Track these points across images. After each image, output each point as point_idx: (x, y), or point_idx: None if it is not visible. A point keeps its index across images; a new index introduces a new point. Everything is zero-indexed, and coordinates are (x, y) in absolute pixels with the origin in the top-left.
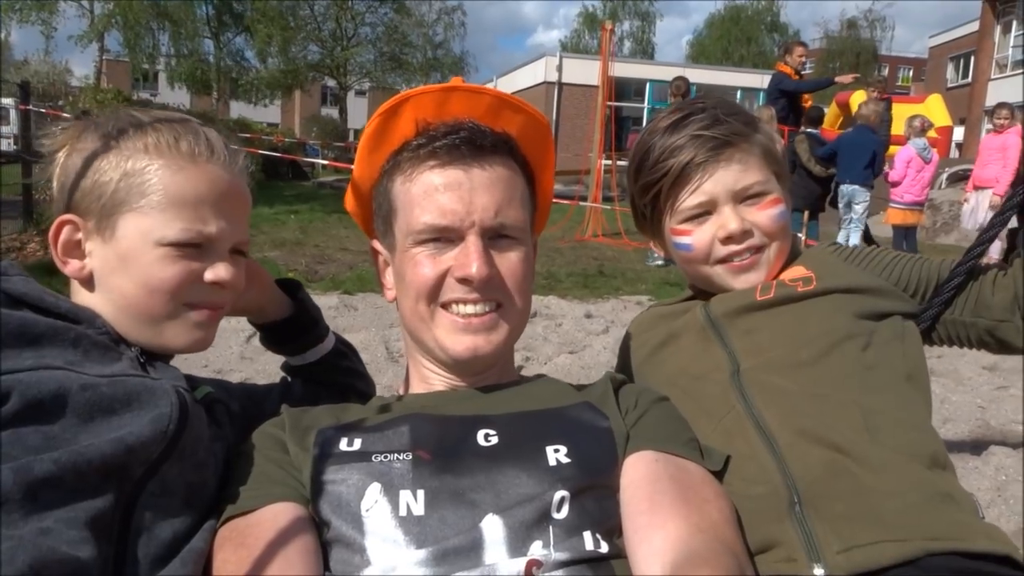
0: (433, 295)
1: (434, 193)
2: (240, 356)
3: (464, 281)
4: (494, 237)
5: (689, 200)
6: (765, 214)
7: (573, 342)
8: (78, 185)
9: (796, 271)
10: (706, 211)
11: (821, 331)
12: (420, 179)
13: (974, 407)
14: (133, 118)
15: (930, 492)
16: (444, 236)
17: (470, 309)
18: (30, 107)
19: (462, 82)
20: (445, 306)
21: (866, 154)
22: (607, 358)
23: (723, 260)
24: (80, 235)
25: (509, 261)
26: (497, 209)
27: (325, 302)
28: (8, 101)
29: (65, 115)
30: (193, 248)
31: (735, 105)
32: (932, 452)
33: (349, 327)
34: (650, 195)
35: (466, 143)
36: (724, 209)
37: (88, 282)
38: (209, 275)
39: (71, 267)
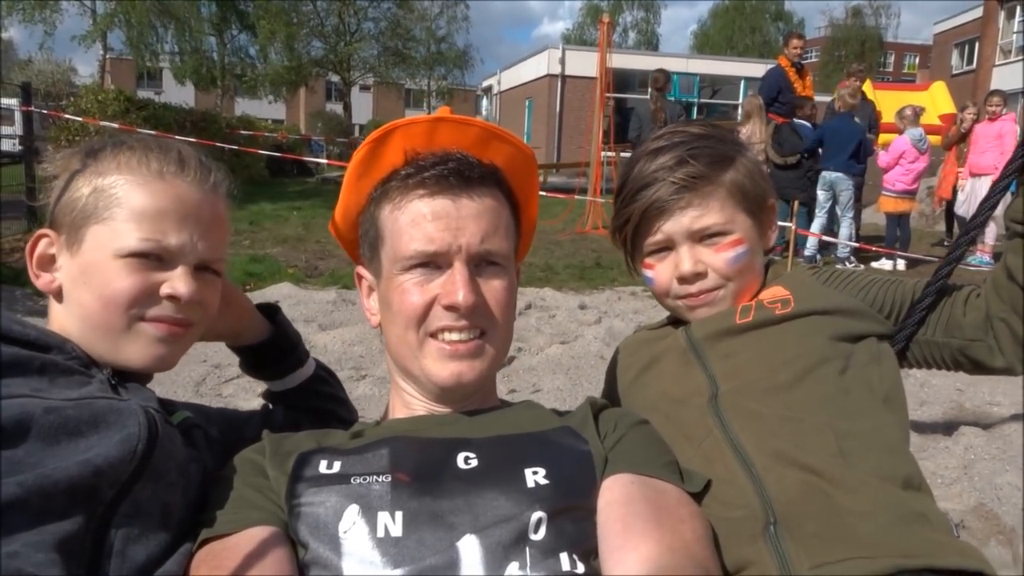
0: (421, 323)
1: (422, 221)
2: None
3: (451, 308)
4: (480, 264)
5: (650, 237)
6: (721, 256)
7: (565, 332)
8: (58, 202)
9: (775, 292)
10: (666, 247)
11: (798, 354)
12: (409, 208)
13: (952, 390)
14: (115, 140)
15: (903, 512)
16: (431, 263)
17: (455, 336)
18: (32, 108)
19: (449, 112)
20: (433, 335)
21: (851, 142)
22: (598, 348)
23: (682, 296)
24: (54, 249)
25: (494, 289)
26: (483, 237)
27: (323, 296)
28: (12, 101)
29: (67, 115)
30: (152, 260)
31: (712, 138)
32: (906, 474)
33: (346, 321)
34: (625, 226)
35: (454, 174)
36: (682, 249)
37: (58, 296)
38: (165, 289)
39: (43, 280)
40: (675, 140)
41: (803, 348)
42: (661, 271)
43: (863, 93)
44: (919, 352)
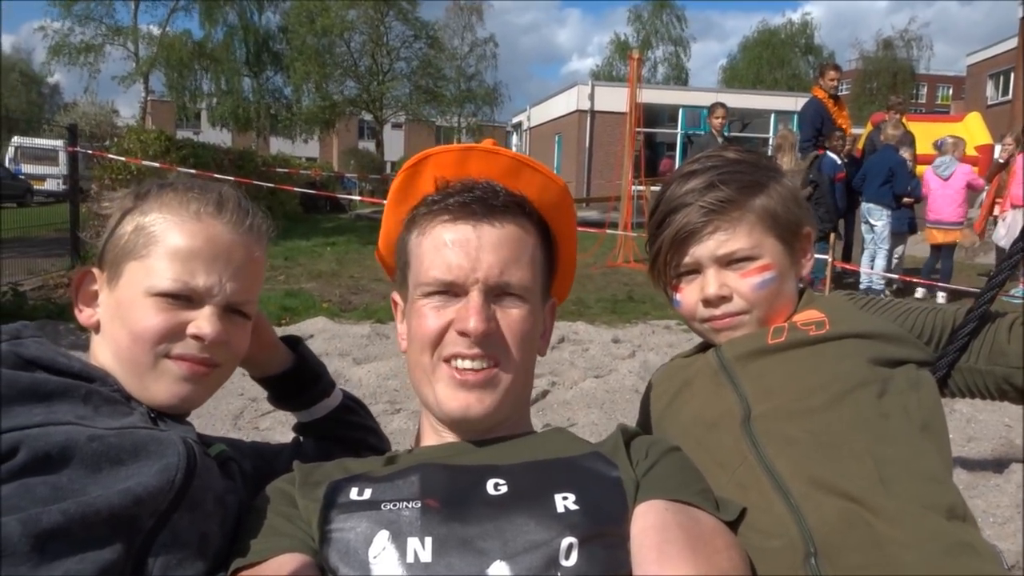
0: (435, 347)
1: (443, 248)
2: None
3: (463, 334)
4: (499, 295)
5: (679, 260)
6: (746, 281)
7: (599, 366)
8: (107, 240)
9: (809, 315)
10: (694, 270)
11: (833, 377)
12: (432, 234)
13: (1001, 426)
14: (163, 182)
15: (950, 542)
16: (449, 290)
17: (467, 364)
18: (78, 149)
19: (493, 144)
20: (447, 360)
21: (882, 172)
22: (632, 382)
23: (707, 320)
24: (96, 286)
25: (510, 318)
26: (502, 267)
27: (358, 331)
28: (58, 143)
29: (111, 156)
30: (181, 300)
31: (745, 163)
32: (950, 503)
33: (381, 355)
34: (657, 252)
35: (477, 201)
36: (708, 272)
37: (96, 330)
38: (191, 328)
39: (84, 315)
40: (708, 164)
41: (839, 371)
42: (688, 293)
43: (902, 125)
44: (961, 380)
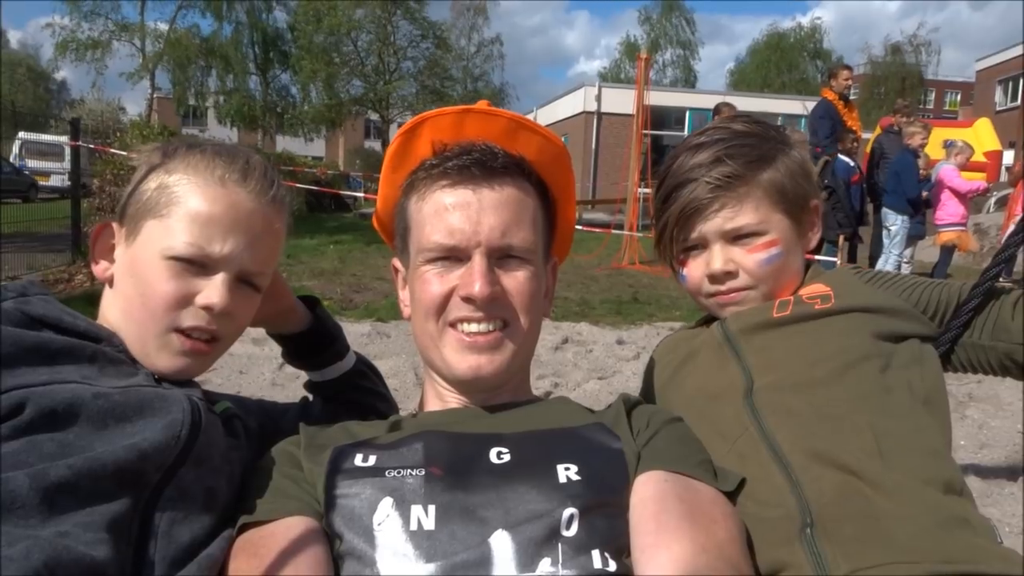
0: (440, 313)
1: (443, 212)
2: (272, 383)
3: (468, 300)
4: (502, 257)
5: (685, 236)
6: (752, 257)
7: (603, 368)
8: (130, 194)
9: (815, 288)
10: (700, 245)
11: (837, 350)
12: (432, 198)
13: (1013, 432)
14: (191, 142)
15: (944, 516)
16: (452, 255)
17: (475, 327)
18: (80, 143)
19: (487, 104)
20: (452, 325)
21: (893, 176)
22: (637, 383)
23: (712, 295)
24: (114, 240)
25: (515, 280)
26: (504, 230)
27: (358, 329)
28: (63, 138)
29: (113, 150)
30: (195, 267)
31: (754, 136)
32: (947, 478)
33: (381, 353)
34: (663, 228)
35: (476, 164)
36: (714, 248)
37: (111, 285)
38: (200, 299)
39: (99, 268)
40: (715, 137)
41: (843, 344)
42: (694, 268)
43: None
44: (964, 355)
